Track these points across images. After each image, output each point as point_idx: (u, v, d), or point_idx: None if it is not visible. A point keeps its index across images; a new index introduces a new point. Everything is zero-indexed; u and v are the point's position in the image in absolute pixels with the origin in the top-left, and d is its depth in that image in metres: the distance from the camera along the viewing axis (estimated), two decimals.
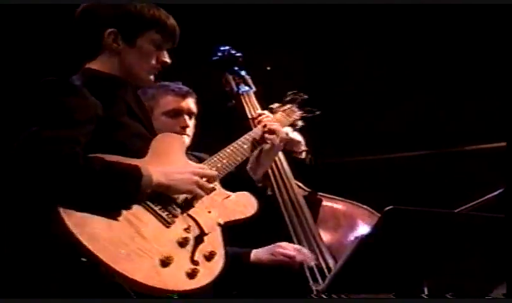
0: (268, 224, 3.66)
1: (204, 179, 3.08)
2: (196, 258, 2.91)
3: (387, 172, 5.57)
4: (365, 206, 3.91)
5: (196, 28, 5.22)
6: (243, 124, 3.87)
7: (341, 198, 3.97)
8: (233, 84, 4.02)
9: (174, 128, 3.82)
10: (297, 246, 3.64)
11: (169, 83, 3.93)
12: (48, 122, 2.82)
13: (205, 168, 3.17)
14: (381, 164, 5.57)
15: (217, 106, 4.10)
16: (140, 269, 2.76)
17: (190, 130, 3.87)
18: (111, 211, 2.82)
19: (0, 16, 4.94)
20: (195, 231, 2.98)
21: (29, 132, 2.77)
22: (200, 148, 3.80)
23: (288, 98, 4.02)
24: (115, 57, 3.13)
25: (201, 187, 3.05)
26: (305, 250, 3.62)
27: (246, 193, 3.27)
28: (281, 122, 3.84)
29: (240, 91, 3.98)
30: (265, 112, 3.90)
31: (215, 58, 4.07)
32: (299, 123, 3.96)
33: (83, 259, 2.71)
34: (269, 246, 3.62)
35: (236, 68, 4.05)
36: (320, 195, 3.92)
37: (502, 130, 3.98)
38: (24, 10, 5.03)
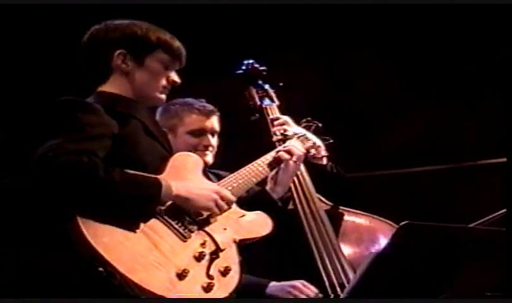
0: (289, 239, 3.70)
1: (223, 201, 3.12)
2: (211, 273, 2.94)
3: (397, 187, 5.57)
4: (386, 220, 3.89)
5: (214, 41, 5.33)
6: (266, 138, 3.88)
7: (363, 212, 3.96)
8: (256, 97, 4.03)
9: (197, 147, 3.88)
10: (314, 289, 3.61)
11: (193, 101, 3.97)
12: (66, 136, 2.88)
13: (224, 189, 3.19)
14: (392, 179, 5.58)
15: (241, 120, 4.12)
16: (156, 280, 2.81)
17: (213, 148, 3.93)
18: (129, 222, 2.87)
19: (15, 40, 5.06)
20: (211, 247, 3.02)
21: (48, 145, 2.83)
22: (224, 162, 3.85)
23: (302, 125, 3.96)
24: (125, 78, 3.19)
25: (218, 206, 3.09)
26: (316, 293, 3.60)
27: (260, 212, 3.30)
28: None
29: (263, 105, 3.99)
30: (282, 117, 3.91)
31: (238, 71, 4.08)
32: (313, 151, 3.86)
33: (100, 269, 2.76)
34: (286, 284, 3.62)
35: (260, 82, 4.06)
36: (342, 209, 3.90)
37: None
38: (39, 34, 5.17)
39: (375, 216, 3.94)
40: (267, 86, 4.07)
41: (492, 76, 5.43)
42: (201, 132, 3.91)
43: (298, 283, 3.62)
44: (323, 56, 5.68)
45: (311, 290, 3.60)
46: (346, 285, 3.59)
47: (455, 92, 5.61)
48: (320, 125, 3.97)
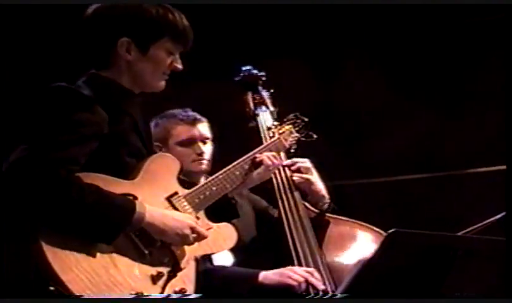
0: (272, 247, 3.70)
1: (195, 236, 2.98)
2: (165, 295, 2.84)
3: (389, 195, 5.59)
4: (372, 227, 3.86)
5: (209, 46, 5.31)
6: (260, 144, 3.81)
7: (349, 219, 3.93)
8: (252, 104, 4.00)
9: (190, 156, 3.83)
10: (310, 269, 3.57)
11: (177, 112, 3.94)
12: (51, 135, 2.75)
13: (199, 226, 3.02)
14: (382, 187, 5.59)
15: (239, 127, 4.06)
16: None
17: (207, 156, 3.88)
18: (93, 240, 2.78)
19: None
20: (169, 266, 2.91)
21: (27, 148, 2.71)
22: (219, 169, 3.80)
23: (288, 120, 3.90)
24: (125, 66, 3.02)
25: (186, 242, 2.96)
26: (317, 275, 3.56)
27: (227, 225, 3.18)
28: (278, 147, 3.72)
29: (257, 111, 3.96)
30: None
31: (237, 78, 4.04)
32: (294, 146, 3.83)
33: (51, 288, 2.68)
34: (280, 269, 3.56)
35: (258, 88, 4.02)
36: (328, 216, 3.86)
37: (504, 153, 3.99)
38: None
39: (362, 223, 3.91)
40: (264, 93, 4.02)
41: (486, 86, 5.45)
42: (190, 142, 3.87)
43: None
44: (318, 63, 5.68)
45: (303, 272, 3.53)
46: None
47: (447, 102, 5.63)
48: (306, 120, 3.90)
